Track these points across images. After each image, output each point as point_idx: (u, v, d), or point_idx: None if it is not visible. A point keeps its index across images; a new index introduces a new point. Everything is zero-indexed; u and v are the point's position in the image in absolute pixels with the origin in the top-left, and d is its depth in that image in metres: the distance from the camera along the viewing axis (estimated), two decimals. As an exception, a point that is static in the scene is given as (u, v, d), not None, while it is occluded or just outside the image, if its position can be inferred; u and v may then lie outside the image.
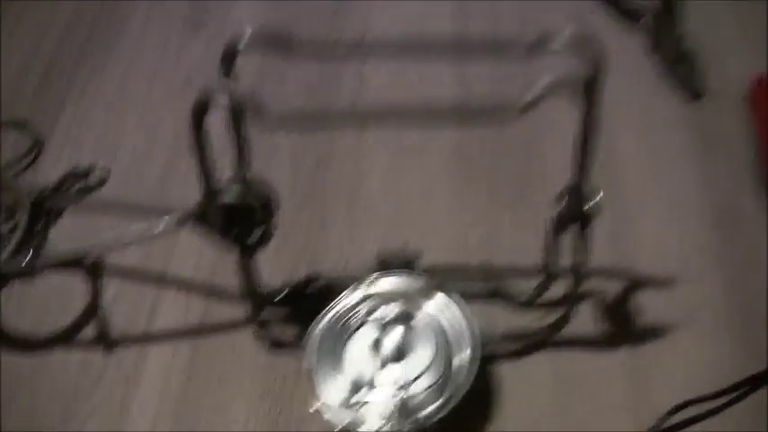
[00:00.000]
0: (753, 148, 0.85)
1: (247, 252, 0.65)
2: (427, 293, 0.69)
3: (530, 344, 0.71)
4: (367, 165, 0.86)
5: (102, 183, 0.80)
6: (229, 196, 0.62)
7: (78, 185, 0.80)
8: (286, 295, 0.74)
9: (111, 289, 0.76)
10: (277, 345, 0.72)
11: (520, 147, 0.87)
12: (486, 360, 0.70)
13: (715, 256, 0.77)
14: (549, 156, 0.85)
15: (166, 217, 0.65)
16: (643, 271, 0.76)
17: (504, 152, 0.86)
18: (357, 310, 0.69)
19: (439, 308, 0.68)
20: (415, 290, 0.69)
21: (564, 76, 0.53)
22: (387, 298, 0.69)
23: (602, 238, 0.75)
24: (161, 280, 0.76)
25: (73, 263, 0.75)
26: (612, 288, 0.75)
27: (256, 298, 0.68)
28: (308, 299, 0.74)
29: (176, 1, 1.03)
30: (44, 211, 0.75)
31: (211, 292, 0.75)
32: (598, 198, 0.62)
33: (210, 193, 0.60)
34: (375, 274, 0.70)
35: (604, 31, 0.96)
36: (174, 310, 0.75)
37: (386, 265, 0.71)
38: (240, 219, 0.63)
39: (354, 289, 0.70)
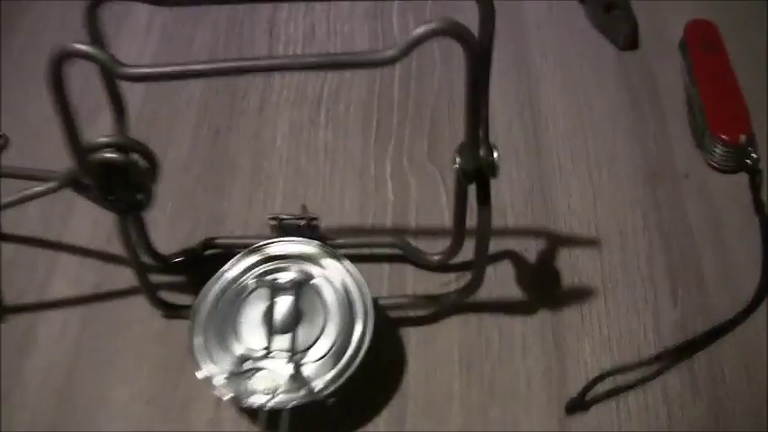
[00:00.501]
0: (685, 99, 0.82)
1: (126, 215, 0.62)
2: (322, 259, 0.66)
3: (440, 309, 0.68)
4: (269, 129, 0.82)
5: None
6: (101, 155, 0.58)
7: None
8: (183, 260, 0.71)
9: (6, 254, 0.73)
10: (172, 310, 0.68)
11: (428, 102, 0.83)
12: (393, 326, 0.67)
13: (641, 216, 0.74)
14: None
15: (44, 185, 0.61)
16: (565, 230, 0.73)
17: (413, 110, 0.83)
18: (248, 275, 0.66)
19: (334, 274, 0.65)
20: (309, 255, 0.66)
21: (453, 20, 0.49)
22: (280, 263, 0.66)
23: (523, 194, 0.74)
24: (56, 247, 0.74)
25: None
26: (532, 248, 0.72)
27: (139, 264, 0.64)
28: (205, 263, 0.71)
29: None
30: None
31: (107, 259, 0.72)
32: (495, 156, 0.57)
33: (80, 152, 0.56)
34: (269, 240, 0.67)
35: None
36: (67, 278, 0.72)
37: (282, 229, 0.68)
38: (118, 180, 0.59)
39: (247, 254, 0.67)
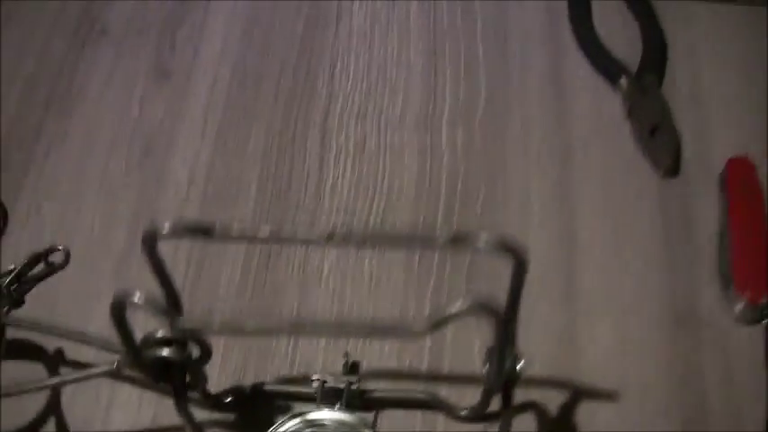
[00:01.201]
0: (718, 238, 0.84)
1: (183, 394, 0.68)
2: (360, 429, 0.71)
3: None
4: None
5: (63, 265, 0.82)
6: (157, 353, 0.64)
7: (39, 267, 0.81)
8: (232, 400, 0.77)
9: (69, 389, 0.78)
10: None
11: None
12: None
13: (663, 368, 0.78)
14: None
15: (100, 367, 0.67)
16: (588, 380, 0.77)
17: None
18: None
19: (371, 447, 0.70)
20: (347, 426, 0.71)
21: (481, 299, 0.54)
22: (321, 430, 0.71)
23: (553, 340, 0.79)
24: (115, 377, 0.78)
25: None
26: (555, 400, 0.76)
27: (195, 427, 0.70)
28: (254, 405, 0.77)
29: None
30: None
31: (162, 392, 0.77)
32: (519, 367, 0.63)
33: (136, 355, 0.62)
34: (312, 408, 0.73)
35: (581, 84, 0.95)
36: (128, 410, 0.78)
37: (324, 392, 0.74)
38: (173, 368, 0.65)
39: (291, 418, 0.72)
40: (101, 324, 0.73)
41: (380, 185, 0.89)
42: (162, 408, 0.77)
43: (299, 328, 0.56)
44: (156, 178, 0.91)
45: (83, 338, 0.74)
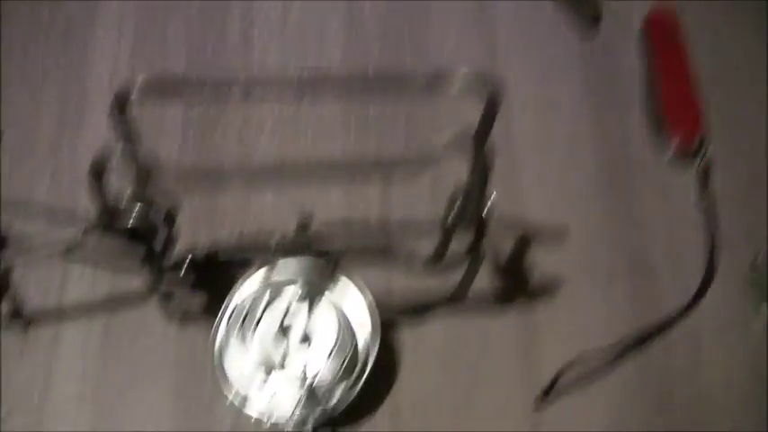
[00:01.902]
0: (643, 89, 0.87)
1: (150, 261, 0.67)
2: (326, 276, 0.72)
3: (426, 309, 0.75)
4: (254, 126, 0.86)
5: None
6: (129, 219, 0.63)
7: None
8: (188, 266, 0.76)
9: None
10: (185, 317, 0.75)
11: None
12: (386, 329, 0.73)
13: (600, 210, 0.81)
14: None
15: (71, 239, 0.66)
16: (533, 224, 0.79)
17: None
18: (259, 293, 0.71)
19: (339, 290, 0.72)
20: (315, 272, 0.72)
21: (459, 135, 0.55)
22: (288, 282, 0.72)
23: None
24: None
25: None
26: (504, 244, 0.79)
27: (161, 295, 0.71)
28: (211, 268, 0.77)
29: None
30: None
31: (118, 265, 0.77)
32: (490, 203, 0.64)
33: (109, 219, 0.62)
34: (275, 260, 0.73)
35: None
36: (82, 283, 0.77)
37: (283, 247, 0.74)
38: (142, 237, 0.65)
39: (254, 271, 0.73)
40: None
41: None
42: (118, 280, 0.77)
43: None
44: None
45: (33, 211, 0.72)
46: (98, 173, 0.56)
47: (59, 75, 0.88)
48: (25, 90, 0.87)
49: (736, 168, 0.83)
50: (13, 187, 0.81)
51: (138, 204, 0.63)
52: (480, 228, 0.66)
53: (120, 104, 0.58)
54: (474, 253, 0.68)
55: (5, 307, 0.74)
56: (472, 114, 0.55)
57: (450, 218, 0.66)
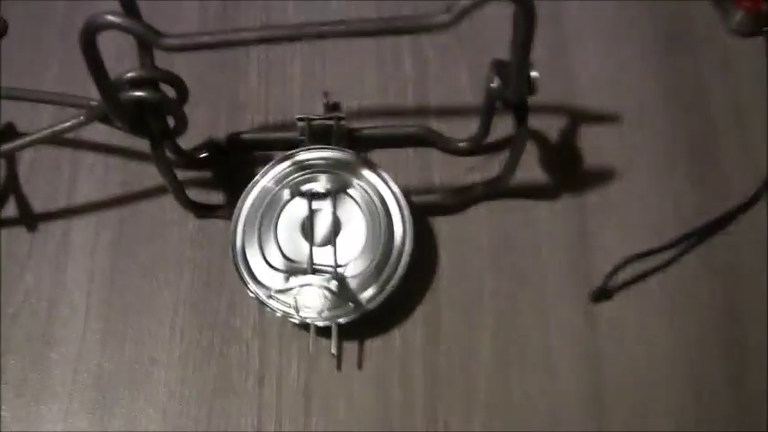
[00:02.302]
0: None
1: (161, 143, 0.61)
2: (356, 167, 0.66)
3: (467, 198, 0.69)
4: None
5: (2, 33, 0.73)
6: (132, 94, 0.57)
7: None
8: (208, 156, 0.71)
9: (27, 156, 0.72)
10: (204, 211, 0.69)
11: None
12: (423, 219, 0.68)
13: (662, 89, 0.73)
14: None
15: (70, 120, 0.60)
16: (587, 105, 0.73)
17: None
18: (283, 184, 0.66)
19: (370, 183, 0.66)
20: (343, 163, 0.66)
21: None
22: (314, 172, 0.66)
23: (542, 66, 0.69)
24: (77, 145, 0.72)
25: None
26: (555, 127, 0.72)
27: (174, 179, 0.64)
28: (231, 157, 0.71)
29: None
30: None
31: (131, 156, 0.72)
32: (534, 75, 0.57)
33: (110, 96, 0.55)
34: (301, 148, 0.67)
35: None
36: (93, 177, 0.72)
37: (311, 131, 0.67)
38: (149, 113, 0.59)
39: (278, 162, 0.66)
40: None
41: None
42: (131, 173, 0.72)
43: (303, 31, 0.49)
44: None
45: (39, 97, 0.67)
46: (90, 38, 0.49)
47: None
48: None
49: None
50: (23, 75, 0.75)
51: (143, 71, 0.57)
52: (523, 104, 0.59)
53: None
54: (519, 134, 0.60)
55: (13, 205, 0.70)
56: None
57: (491, 88, 0.59)
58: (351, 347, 0.65)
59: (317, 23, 0.50)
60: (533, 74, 0.57)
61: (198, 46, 0.50)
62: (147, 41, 0.49)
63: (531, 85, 0.57)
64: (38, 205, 0.71)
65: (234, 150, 0.71)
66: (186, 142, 0.70)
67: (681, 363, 0.64)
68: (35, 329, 0.67)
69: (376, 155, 0.70)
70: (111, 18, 0.48)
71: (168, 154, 0.67)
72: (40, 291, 0.68)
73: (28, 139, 0.61)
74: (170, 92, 0.59)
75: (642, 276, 0.66)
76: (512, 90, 0.57)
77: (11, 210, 0.71)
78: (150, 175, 0.69)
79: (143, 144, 0.62)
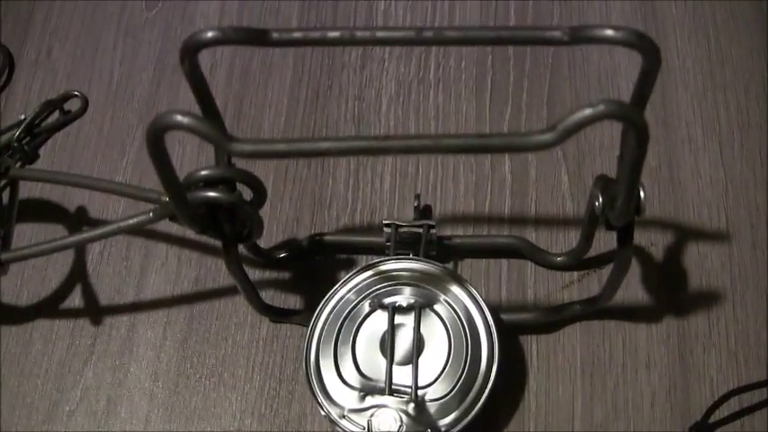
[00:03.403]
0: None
1: (234, 247, 0.57)
2: (443, 282, 0.61)
3: (563, 317, 0.64)
4: (373, 90, 0.75)
5: (81, 113, 0.72)
6: (202, 194, 0.53)
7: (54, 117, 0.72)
8: (287, 256, 0.67)
9: (98, 245, 0.70)
10: (279, 316, 0.65)
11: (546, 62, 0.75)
12: (513, 335, 0.64)
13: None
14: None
15: (138, 216, 0.57)
16: (694, 220, 0.68)
17: (530, 68, 0.75)
18: (364, 295, 0.62)
19: (457, 299, 0.61)
20: (429, 276, 0.62)
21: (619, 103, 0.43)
22: (398, 284, 0.62)
23: (649, 174, 0.69)
24: (149, 235, 0.70)
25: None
26: (659, 242, 0.67)
27: (248, 285, 0.60)
28: (312, 259, 0.68)
29: None
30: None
31: (205, 250, 0.69)
32: (642, 196, 0.52)
33: (179, 198, 0.51)
34: (385, 257, 0.63)
35: None
36: (164, 271, 0.69)
37: (398, 238, 0.63)
38: (222, 215, 0.55)
39: (360, 271, 0.62)
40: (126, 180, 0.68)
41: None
42: (205, 269, 0.68)
43: (386, 144, 0.44)
44: (182, 13, 0.80)
45: (109, 188, 0.64)
46: (157, 138, 0.45)
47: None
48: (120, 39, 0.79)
49: None
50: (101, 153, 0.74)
51: (217, 170, 0.54)
52: (629, 227, 0.54)
53: (191, 49, 0.48)
54: (622, 256, 0.55)
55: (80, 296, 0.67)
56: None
57: (595, 206, 0.54)
58: (427, 476, 0.60)
59: (403, 137, 0.46)
60: (641, 194, 0.52)
61: (271, 155, 0.46)
62: (218, 146, 0.45)
63: (638, 207, 0.52)
64: (104, 297, 0.68)
65: (316, 252, 0.67)
66: (266, 240, 0.67)
67: None
68: (91, 430, 0.63)
69: (466, 264, 0.66)
70: (179, 118, 0.44)
71: (246, 252, 0.64)
72: (99, 389, 0.65)
73: (94, 233, 0.58)
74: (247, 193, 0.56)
75: (747, 411, 0.61)
76: (617, 213, 0.52)
77: (76, 300, 0.68)
78: (225, 273, 0.66)
79: (218, 241, 0.58)
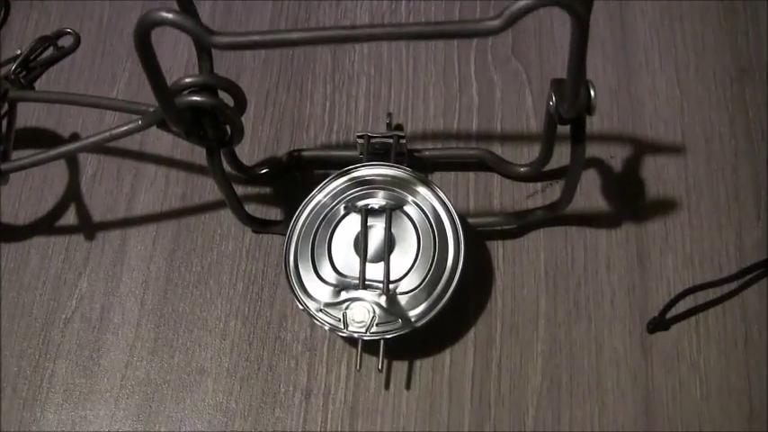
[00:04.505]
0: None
1: (217, 151, 0.61)
2: (412, 185, 0.65)
3: (526, 221, 0.68)
4: (348, 21, 0.80)
5: (74, 48, 0.75)
6: (189, 99, 0.57)
7: (48, 51, 0.75)
8: (268, 172, 0.71)
9: (90, 167, 0.74)
10: (261, 226, 0.69)
11: None
12: (480, 241, 0.68)
13: (728, 121, 0.71)
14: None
15: (128, 124, 0.60)
16: (651, 135, 0.71)
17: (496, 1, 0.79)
18: (339, 199, 0.66)
19: (425, 201, 0.65)
20: (400, 180, 0.66)
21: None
22: (370, 188, 0.66)
23: (609, 94, 0.73)
24: (138, 157, 0.74)
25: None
26: (618, 155, 0.71)
27: (231, 192, 0.64)
28: (291, 174, 0.72)
29: None
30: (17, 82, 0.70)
31: (192, 169, 0.73)
32: (593, 95, 0.55)
33: (167, 100, 0.55)
34: (359, 164, 0.67)
35: None
36: (153, 189, 0.73)
37: (370, 149, 0.67)
38: (206, 119, 0.59)
39: (335, 177, 0.66)
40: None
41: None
42: (191, 186, 0.72)
43: (352, 33, 0.48)
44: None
45: (100, 103, 0.68)
46: (144, 35, 0.49)
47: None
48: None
49: None
50: (91, 90, 0.77)
51: (200, 77, 0.58)
52: (580, 121, 0.58)
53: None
54: (575, 152, 0.59)
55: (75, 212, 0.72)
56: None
57: (549, 105, 0.58)
58: (400, 366, 0.64)
59: (368, 25, 0.50)
60: (591, 92, 0.56)
61: (248, 44, 0.50)
62: (199, 39, 0.49)
63: (588, 104, 0.56)
64: (97, 215, 0.72)
65: (294, 167, 0.71)
66: (249, 159, 0.71)
67: (735, 395, 0.62)
68: (86, 335, 0.67)
69: (436, 177, 0.70)
70: (164, 15, 0.48)
71: (230, 169, 0.68)
72: (93, 297, 0.69)
73: (87, 141, 0.62)
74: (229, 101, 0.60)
75: (700, 309, 0.65)
76: (567, 105, 0.55)
77: (71, 218, 0.72)
78: (210, 190, 0.71)
79: (204, 159, 0.62)
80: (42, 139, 0.75)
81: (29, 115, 0.75)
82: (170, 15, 0.48)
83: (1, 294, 0.69)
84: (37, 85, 0.73)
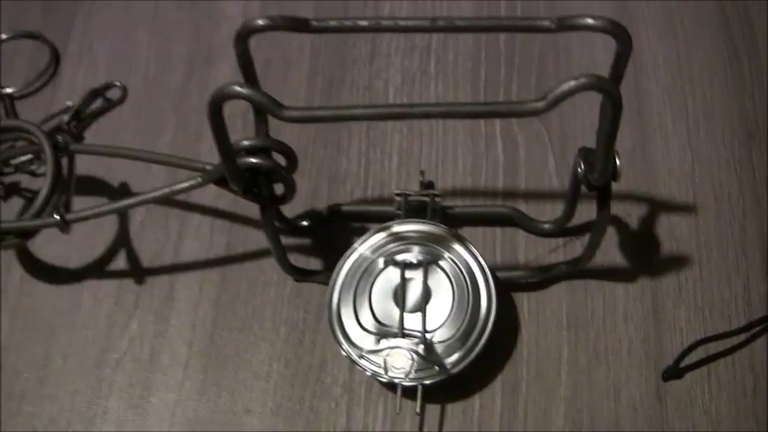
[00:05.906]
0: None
1: (270, 208, 0.66)
2: (447, 241, 0.70)
3: (549, 275, 0.72)
4: (381, 80, 0.84)
5: (121, 100, 0.79)
6: (248, 160, 0.62)
7: (97, 104, 0.78)
8: (309, 224, 0.76)
9: (138, 215, 0.78)
10: (302, 275, 0.73)
11: (533, 54, 0.85)
12: (507, 294, 0.72)
13: (736, 180, 0.77)
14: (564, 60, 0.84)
15: (188, 181, 0.65)
16: (665, 195, 0.77)
17: (519, 62, 0.84)
18: (378, 253, 0.70)
19: (459, 256, 0.69)
20: (435, 236, 0.70)
21: (598, 76, 0.52)
22: (408, 244, 0.70)
23: (626, 156, 0.77)
24: (185, 207, 0.78)
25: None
26: (634, 214, 0.76)
27: (278, 245, 0.69)
28: (330, 227, 0.76)
29: None
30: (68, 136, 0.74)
31: (236, 219, 0.77)
32: (618, 163, 0.60)
33: (231, 160, 0.60)
34: (397, 220, 0.71)
35: None
36: (199, 237, 0.77)
37: (407, 205, 0.72)
38: (261, 178, 0.63)
39: (375, 232, 0.71)
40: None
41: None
42: (235, 236, 0.77)
43: (410, 110, 0.53)
44: (208, 14, 0.89)
45: (159, 159, 0.72)
46: (216, 107, 0.54)
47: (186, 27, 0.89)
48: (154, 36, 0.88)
49: None
50: (139, 136, 0.82)
51: (259, 140, 0.63)
52: (607, 189, 0.63)
53: (244, 35, 0.58)
54: (601, 215, 0.64)
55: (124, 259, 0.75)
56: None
57: (578, 172, 0.63)
58: (433, 410, 0.69)
59: (424, 104, 0.55)
60: (617, 161, 0.61)
61: (317, 118, 0.55)
62: (271, 112, 0.53)
63: (614, 172, 0.61)
64: (146, 260, 0.76)
65: (333, 220, 0.76)
66: (289, 211, 0.75)
67: (747, 442, 0.66)
68: (137, 375, 0.71)
69: (466, 231, 0.74)
70: (238, 89, 0.53)
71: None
72: (143, 339, 0.72)
73: (150, 195, 0.66)
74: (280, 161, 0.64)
75: (711, 358, 0.69)
76: (597, 175, 0.60)
77: (121, 263, 0.76)
78: (252, 239, 0.76)
79: (246, 210, 0.67)
80: (94, 188, 0.79)
81: (78, 164, 0.78)
82: (244, 90, 0.53)
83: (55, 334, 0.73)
84: (85, 135, 0.77)
